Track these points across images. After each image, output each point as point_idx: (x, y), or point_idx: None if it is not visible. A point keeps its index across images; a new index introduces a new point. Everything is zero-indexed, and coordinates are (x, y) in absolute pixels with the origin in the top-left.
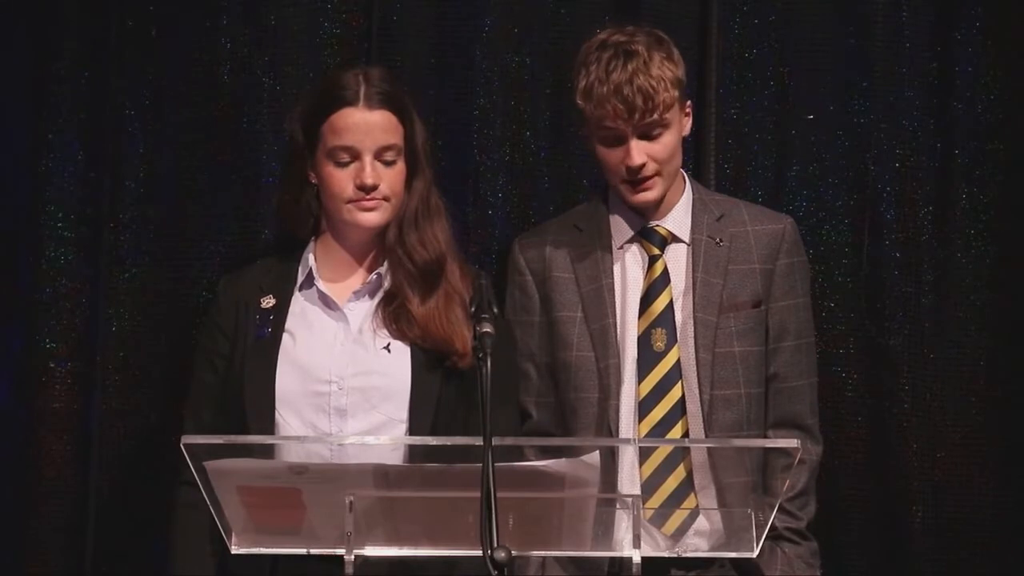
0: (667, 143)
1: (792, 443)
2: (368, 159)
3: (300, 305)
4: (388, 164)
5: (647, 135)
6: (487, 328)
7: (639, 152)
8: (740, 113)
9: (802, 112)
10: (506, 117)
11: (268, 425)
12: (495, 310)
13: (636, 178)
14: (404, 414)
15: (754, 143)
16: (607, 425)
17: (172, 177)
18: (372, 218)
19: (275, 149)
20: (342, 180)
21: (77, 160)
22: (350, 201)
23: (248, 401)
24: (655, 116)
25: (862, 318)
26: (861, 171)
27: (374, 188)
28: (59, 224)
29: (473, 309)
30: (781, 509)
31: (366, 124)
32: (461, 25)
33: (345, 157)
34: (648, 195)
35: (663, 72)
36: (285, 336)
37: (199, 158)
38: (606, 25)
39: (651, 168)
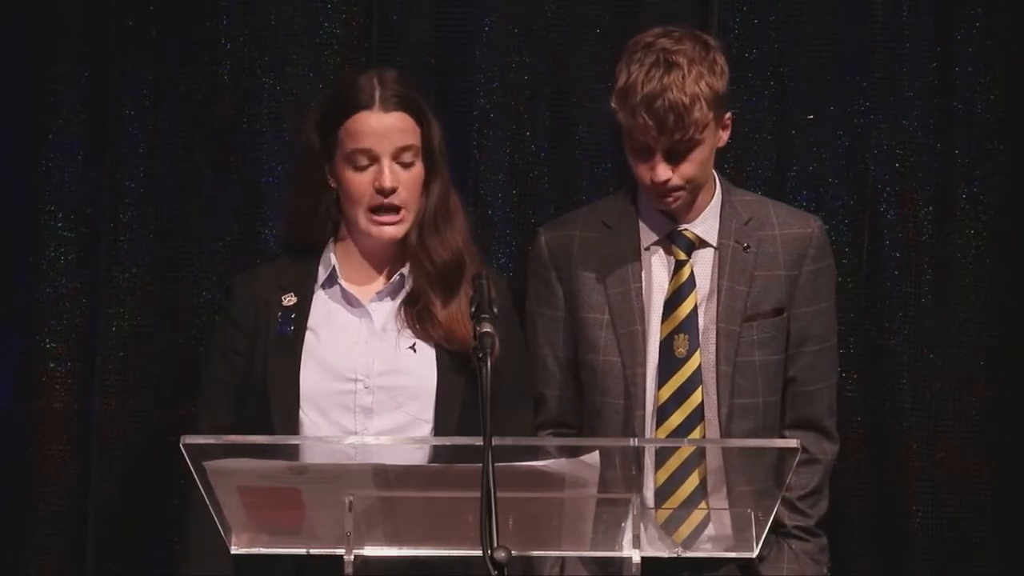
0: (696, 160)
1: (791, 443)
2: (387, 162)
3: (323, 303)
4: (406, 167)
5: (675, 152)
6: (487, 328)
7: (664, 169)
8: (740, 113)
9: (802, 112)
10: (506, 117)
11: (292, 423)
12: (495, 310)
13: (661, 191)
14: (429, 414)
15: (754, 143)
16: (632, 433)
17: (172, 177)
18: (391, 232)
19: (275, 149)
20: (361, 184)
21: (77, 160)
22: (370, 207)
23: (273, 399)
24: (686, 135)
25: (862, 318)
26: (861, 171)
27: (393, 191)
28: (59, 224)
29: (473, 309)
30: (792, 507)
31: (383, 127)
32: (461, 25)
33: (363, 160)
34: (671, 204)
35: (699, 88)
36: (308, 333)
37: (199, 158)
38: (605, 25)
39: (676, 183)
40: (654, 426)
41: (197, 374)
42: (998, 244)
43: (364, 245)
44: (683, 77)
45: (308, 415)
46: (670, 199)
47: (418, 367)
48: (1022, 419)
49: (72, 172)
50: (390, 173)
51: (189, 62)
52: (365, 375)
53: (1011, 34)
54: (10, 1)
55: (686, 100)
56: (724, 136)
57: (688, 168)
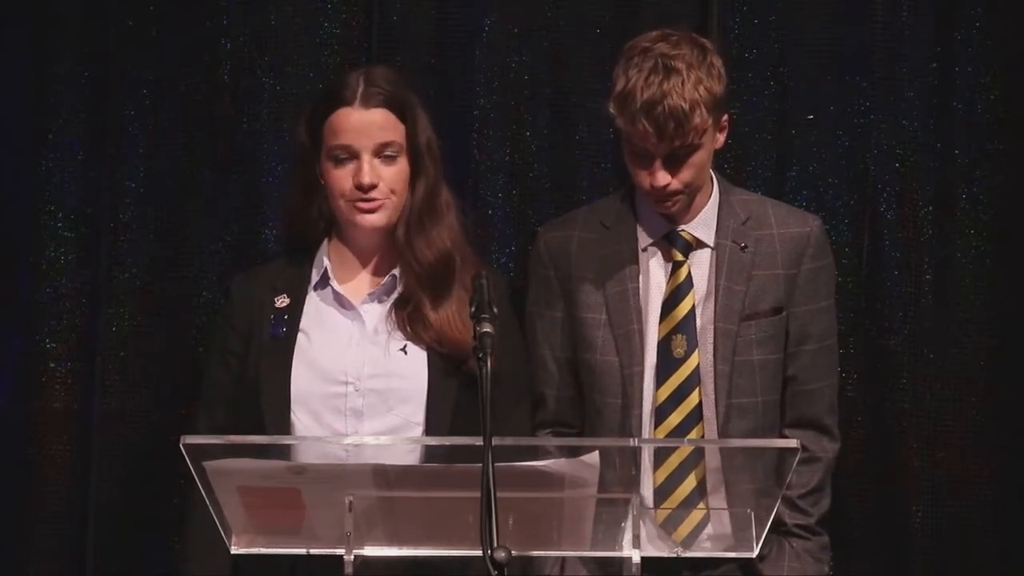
0: (695, 163)
1: (791, 443)
2: (366, 158)
3: (315, 305)
4: (388, 163)
5: (675, 158)
6: (487, 328)
7: (664, 175)
8: (740, 113)
9: (802, 112)
10: (506, 117)
11: (284, 425)
12: (495, 310)
13: (660, 196)
14: (421, 416)
15: (754, 143)
16: (629, 433)
17: (172, 177)
18: (372, 219)
19: (275, 149)
20: (341, 179)
21: (77, 160)
22: (350, 200)
23: (264, 401)
24: (685, 141)
25: (862, 318)
26: (861, 171)
27: (372, 187)
28: (59, 224)
29: (473, 309)
30: (792, 505)
31: (362, 123)
32: (461, 25)
33: (343, 156)
34: (671, 208)
35: (699, 94)
36: (300, 336)
37: (199, 158)
38: (605, 25)
39: (675, 187)
40: (652, 426)
41: (197, 374)
42: (998, 244)
43: (355, 243)
44: (682, 83)
45: (299, 418)
46: (669, 203)
47: (409, 370)
48: (1022, 419)
49: (72, 172)
50: (369, 169)
51: (189, 62)
52: (356, 378)
53: (1011, 34)
54: (10, 1)
55: (686, 106)
56: (721, 138)
57: (687, 173)
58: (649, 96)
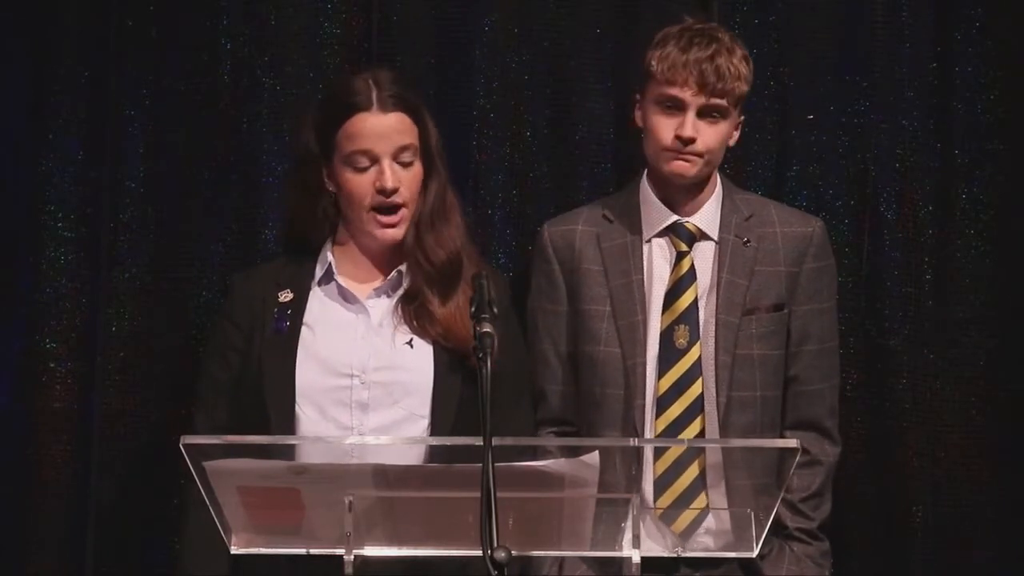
0: (720, 131)
1: (791, 443)
2: (387, 162)
3: (319, 299)
4: (406, 166)
5: (706, 115)
6: (487, 328)
7: (693, 126)
8: None
9: (802, 112)
10: (506, 117)
11: (289, 419)
12: (495, 310)
13: (682, 149)
14: (426, 410)
15: (754, 143)
16: (632, 424)
17: (172, 177)
18: (393, 234)
19: (275, 149)
20: (362, 185)
21: (77, 160)
22: (372, 208)
23: (268, 395)
24: (721, 100)
25: (862, 318)
26: (861, 171)
27: (395, 191)
28: (59, 224)
29: (473, 309)
30: (794, 509)
31: (382, 127)
32: (461, 25)
33: (364, 162)
34: (685, 168)
35: (741, 66)
36: (304, 329)
37: (199, 158)
38: (605, 25)
39: (699, 146)
40: (654, 417)
41: (197, 374)
42: (998, 244)
43: (363, 245)
44: (728, 51)
45: (304, 411)
46: (686, 162)
47: (415, 363)
48: (1022, 419)
49: (72, 172)
50: (391, 173)
51: (189, 62)
52: (361, 370)
53: (1011, 34)
54: (10, 2)
55: (731, 68)
56: (736, 135)
57: (710, 136)
58: (699, 52)
